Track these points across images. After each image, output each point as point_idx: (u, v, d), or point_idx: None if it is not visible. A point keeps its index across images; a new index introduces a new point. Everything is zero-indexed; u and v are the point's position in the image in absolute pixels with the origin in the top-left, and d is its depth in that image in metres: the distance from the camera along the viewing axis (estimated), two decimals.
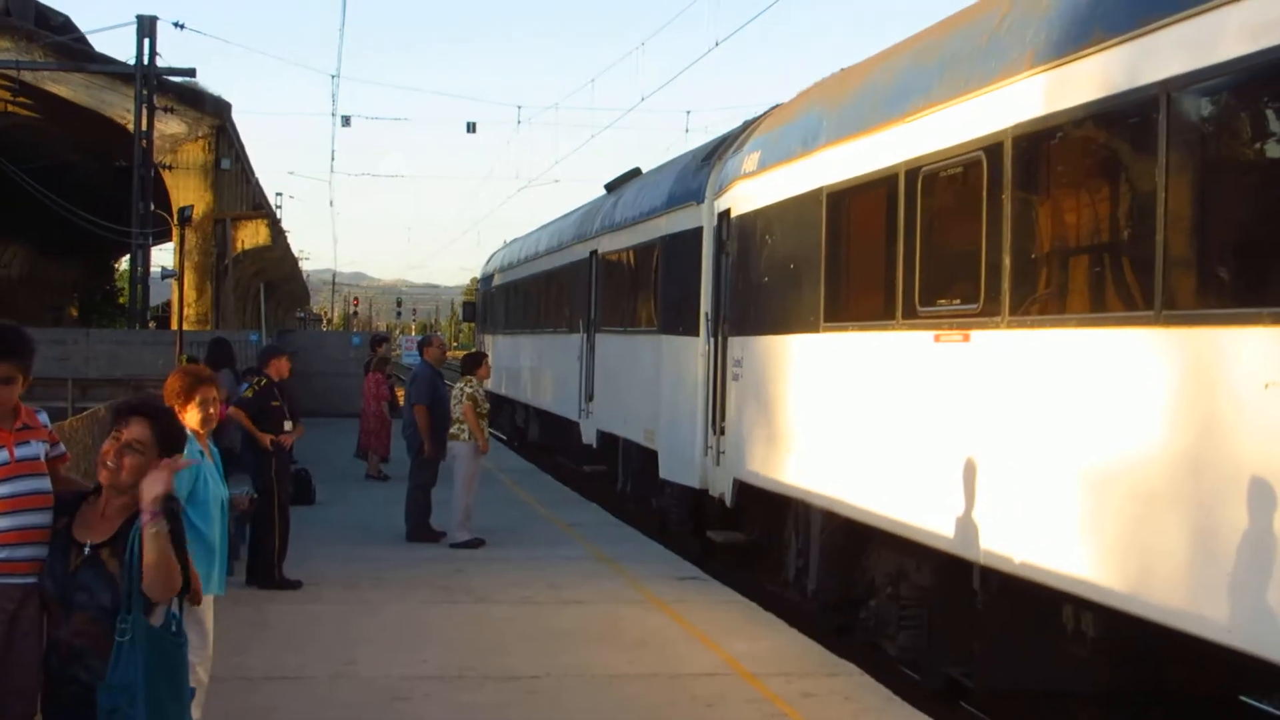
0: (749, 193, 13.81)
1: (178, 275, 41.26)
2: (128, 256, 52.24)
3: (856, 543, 11.49)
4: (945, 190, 9.72)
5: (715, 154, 16.15)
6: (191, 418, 7.48)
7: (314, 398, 33.06)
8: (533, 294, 29.30)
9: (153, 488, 4.95)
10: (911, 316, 10.05)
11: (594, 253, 21.93)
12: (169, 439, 5.30)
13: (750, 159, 13.99)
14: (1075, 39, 8.10)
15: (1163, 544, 7.21)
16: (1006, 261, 8.73)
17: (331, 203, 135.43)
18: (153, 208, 43.71)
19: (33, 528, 5.35)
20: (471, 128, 47.78)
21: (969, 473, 9.13)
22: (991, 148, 8.91)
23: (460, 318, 67.57)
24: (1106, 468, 7.71)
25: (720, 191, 15.01)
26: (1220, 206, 7.14)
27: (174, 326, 40.15)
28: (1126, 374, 7.55)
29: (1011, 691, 9.89)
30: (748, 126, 15.72)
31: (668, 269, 17.03)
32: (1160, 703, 10.20)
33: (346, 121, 60.21)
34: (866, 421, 10.85)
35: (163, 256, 61.18)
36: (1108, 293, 7.95)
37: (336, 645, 10.73)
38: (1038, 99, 8.43)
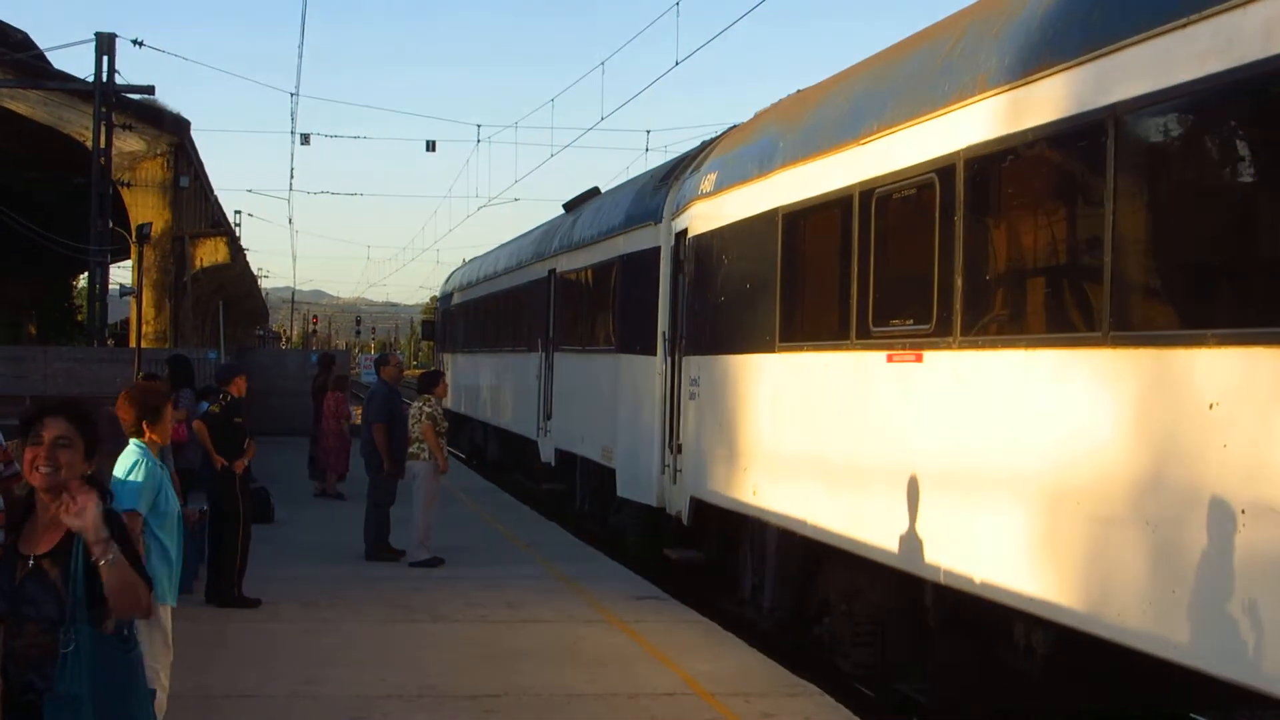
0: (706, 213, 13.89)
1: (136, 293, 41.10)
2: (86, 274, 52.04)
3: (811, 560, 11.54)
4: (898, 212, 9.81)
5: (673, 174, 16.24)
6: (160, 433, 7.93)
7: (274, 416, 33.01)
8: (492, 313, 29.31)
9: (85, 521, 4.90)
10: (865, 337, 10.13)
11: (552, 272, 21.96)
12: (90, 431, 5.24)
13: (708, 180, 14.07)
14: (1025, 64, 8.21)
15: (1111, 562, 7.29)
16: (958, 282, 8.82)
17: (290, 220, 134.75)
18: (111, 225, 43.51)
19: None
20: (431, 146, 47.35)
21: (921, 492, 9.20)
22: (944, 170, 9.01)
23: (420, 336, 67.43)
24: (1056, 487, 7.79)
25: (678, 212, 15.08)
26: (1167, 230, 7.24)
27: (132, 344, 40.02)
28: (1076, 395, 7.64)
29: (965, 709, 9.97)
30: (705, 147, 15.81)
31: (626, 288, 17.08)
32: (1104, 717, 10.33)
33: (305, 139, 59.94)
34: (820, 441, 10.91)
35: (121, 274, 60.79)
36: (1057, 314, 8.05)
37: (296, 664, 10.72)
38: (989, 122, 8.53)
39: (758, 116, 14.22)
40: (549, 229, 24.33)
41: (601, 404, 17.92)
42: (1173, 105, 6.98)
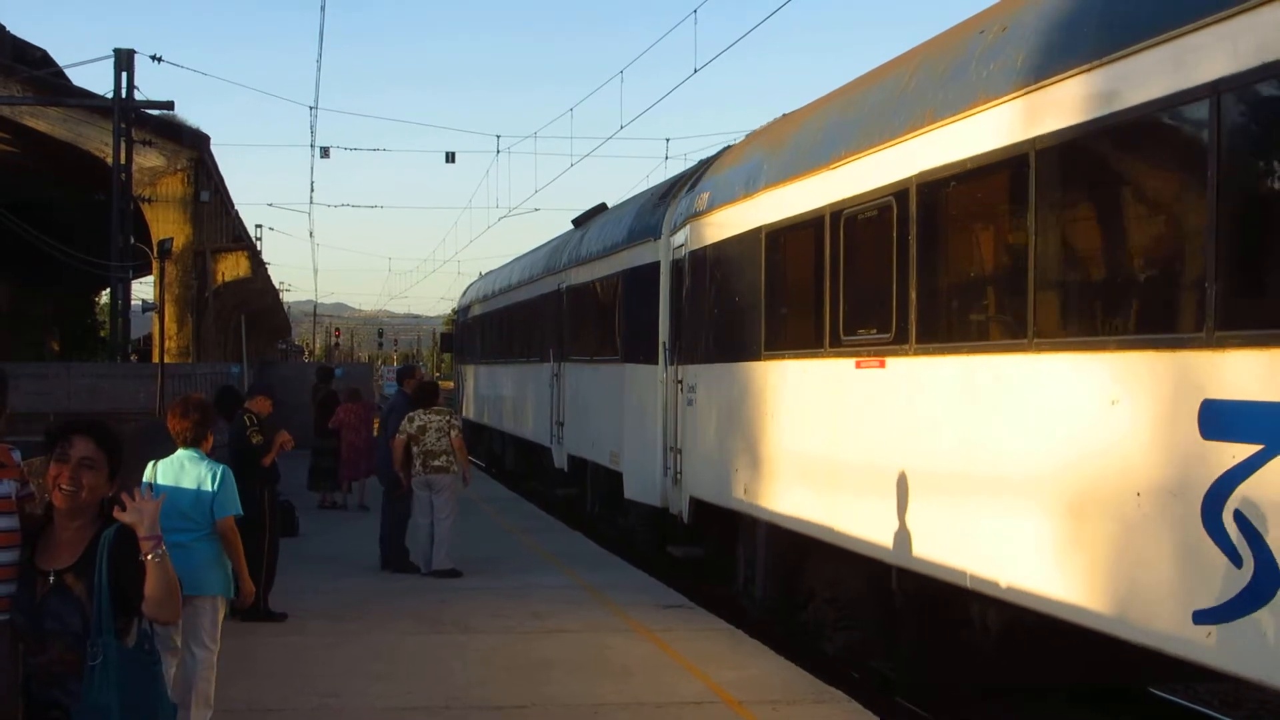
0: (700, 230, 15.11)
1: (158, 308, 42.00)
2: (108, 290, 52.92)
3: (796, 552, 12.73)
4: (863, 231, 11.01)
5: (671, 193, 17.48)
6: (208, 445, 8.85)
7: (295, 429, 34.09)
8: (506, 325, 30.68)
9: (143, 520, 5.15)
10: (836, 345, 11.34)
11: (562, 285, 23.31)
12: (116, 451, 5.38)
13: (702, 198, 15.29)
14: (964, 99, 9.39)
15: (1037, 540, 8.47)
16: (913, 296, 10.01)
17: (311, 234, 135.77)
18: (132, 241, 44.30)
19: (1, 565, 5.41)
20: (450, 158, 48.39)
21: (884, 484, 10.39)
22: (900, 194, 10.20)
23: (440, 348, 68.74)
24: (995, 475, 8.98)
25: (675, 228, 16.31)
26: (1077, 250, 8.44)
27: (155, 359, 40.79)
28: (1008, 393, 8.82)
29: (946, 686, 11.15)
30: (701, 166, 17.04)
31: (629, 301, 18.33)
32: (1075, 696, 11.51)
33: (325, 153, 60.90)
34: (800, 441, 12.12)
35: (143, 290, 61.80)
36: (993, 323, 9.24)
37: (320, 677, 10.87)
38: (936, 151, 9.72)
39: (748, 138, 15.46)
40: (559, 244, 25.67)
41: (609, 411, 19.18)
42: (1082, 140, 8.15)
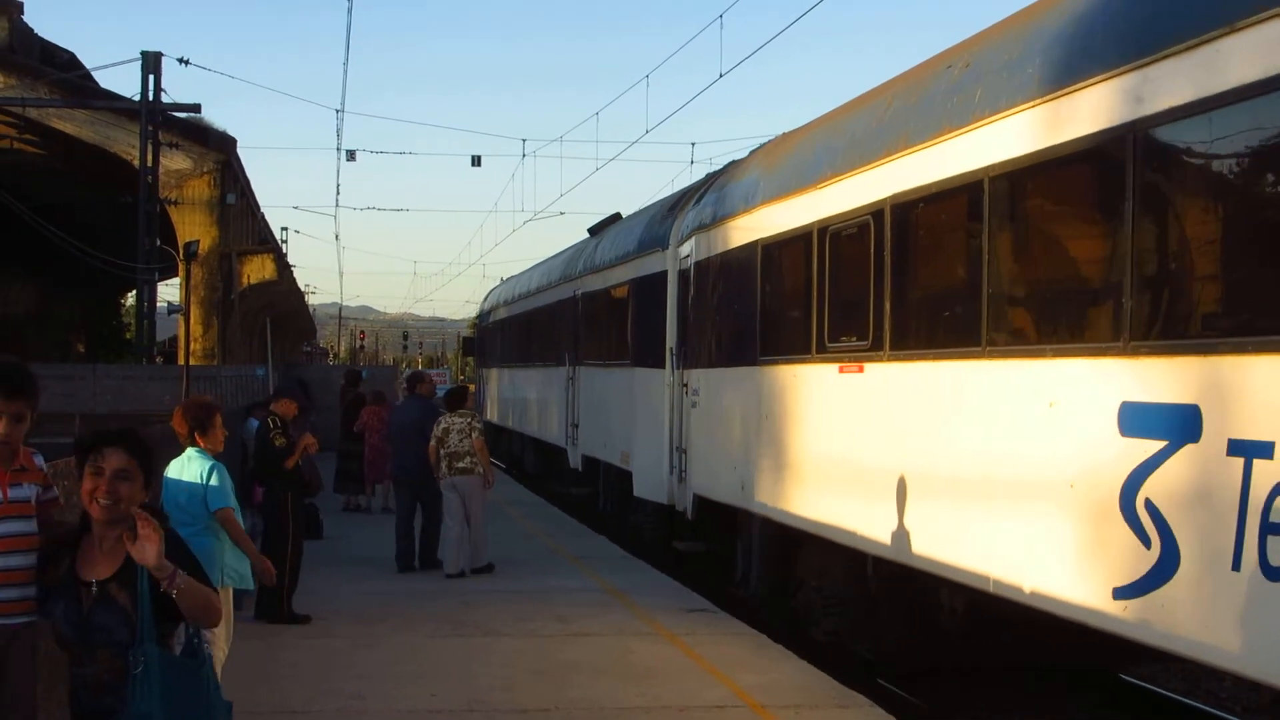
0: (704, 242, 16.30)
1: (184, 310, 42.79)
2: (134, 292, 53.28)
3: (788, 545, 13.88)
4: (845, 247, 12.16)
5: (679, 205, 18.69)
6: (211, 441, 9.45)
7: (325, 433, 35.05)
8: (525, 329, 32.08)
9: (147, 556, 5.16)
10: (822, 351, 12.50)
11: (578, 292, 24.61)
12: (148, 460, 5.44)
13: (706, 212, 16.49)
14: (931, 128, 10.54)
15: (990, 527, 9.61)
16: (887, 307, 11.17)
17: (337, 236, 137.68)
18: (158, 243, 45.13)
19: (17, 569, 5.52)
20: (476, 161, 48.32)
21: (862, 480, 11.56)
22: (876, 213, 11.37)
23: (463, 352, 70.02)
24: (953, 470, 10.13)
25: (682, 239, 17.51)
26: (1023, 268, 9.59)
27: (180, 362, 41.25)
28: (967, 395, 9.97)
29: (930, 669, 12.29)
30: (708, 180, 18.24)
31: (638, 308, 19.55)
32: (1046, 678, 12.64)
33: (351, 156, 62.60)
34: (789, 441, 13.28)
35: (169, 292, 62.85)
36: (953, 332, 10.37)
37: (345, 680, 11.06)
38: (907, 175, 10.88)
39: (750, 155, 16.64)
40: (575, 252, 27.00)
41: (619, 413, 20.44)
42: (1025, 170, 9.29)
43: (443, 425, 17.00)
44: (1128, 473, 8.05)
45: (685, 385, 16.97)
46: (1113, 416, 8.20)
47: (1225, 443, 7.26)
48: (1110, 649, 9.38)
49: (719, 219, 15.78)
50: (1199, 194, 7.97)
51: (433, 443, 16.92)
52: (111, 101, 47.39)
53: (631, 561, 18.31)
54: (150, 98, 45.48)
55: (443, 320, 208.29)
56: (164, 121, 46.49)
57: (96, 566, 5.35)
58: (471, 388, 35.63)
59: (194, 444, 9.42)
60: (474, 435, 16.92)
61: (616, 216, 25.58)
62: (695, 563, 17.60)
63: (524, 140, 60.35)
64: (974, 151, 9.85)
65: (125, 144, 46.55)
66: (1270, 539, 6.90)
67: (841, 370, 12.09)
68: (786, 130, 16.02)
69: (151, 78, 45.45)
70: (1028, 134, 9.18)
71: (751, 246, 14.40)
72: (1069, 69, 8.75)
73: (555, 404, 26.43)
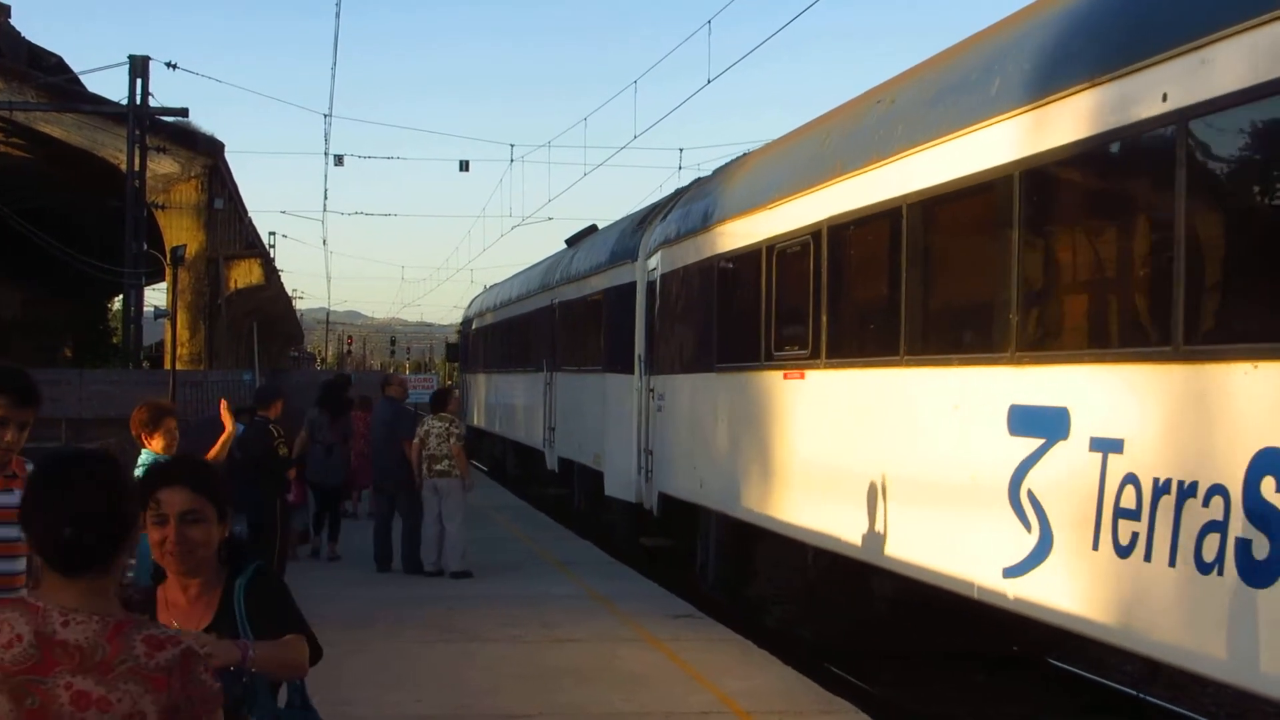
0: (669, 255, 17.72)
1: (171, 315, 43.73)
2: (121, 296, 54.36)
3: (742, 538, 15.27)
4: (790, 265, 13.56)
5: (648, 220, 20.16)
6: (157, 444, 9.36)
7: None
8: (506, 336, 33.81)
9: (215, 654, 4.38)
10: (770, 359, 13.91)
11: (555, 300, 26.14)
12: (218, 493, 4.78)
13: (671, 227, 17.92)
14: (861, 157, 11.94)
15: (909, 517, 11.00)
16: (824, 320, 12.56)
17: (325, 241, 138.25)
18: (146, 247, 46.06)
19: (10, 574, 5.58)
20: (464, 166, 49.64)
21: (802, 477, 12.97)
22: (815, 234, 12.76)
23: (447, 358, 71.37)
24: (879, 466, 11.52)
25: (650, 253, 18.94)
26: (934, 285, 11.00)
27: (167, 366, 42.44)
28: (889, 400, 11.37)
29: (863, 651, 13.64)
30: (675, 197, 19.68)
31: (610, 316, 21.03)
32: (977, 662, 14.00)
33: (339, 160, 62.73)
34: (741, 441, 14.69)
35: (156, 296, 63.74)
36: (877, 343, 11.77)
37: (331, 685, 10.65)
38: (841, 199, 12.27)
39: (713, 175, 18.08)
40: (553, 262, 28.65)
41: (592, 417, 21.93)
42: (932, 201, 10.69)
43: (424, 428, 17.58)
44: (1014, 466, 9.44)
45: (652, 390, 18.37)
46: (1003, 417, 9.59)
47: (1088, 440, 8.65)
48: (1039, 634, 10.72)
49: (682, 235, 17.20)
50: (1068, 226, 9.44)
51: (415, 442, 17.51)
52: (99, 105, 48.21)
53: (617, 567, 18.69)
54: (138, 102, 46.32)
55: (430, 325, 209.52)
56: (151, 125, 47.37)
57: (188, 618, 4.78)
58: (457, 393, 36.89)
59: (146, 446, 9.48)
60: (452, 440, 17.43)
61: (593, 228, 27.14)
62: (662, 557, 18.98)
63: (512, 145, 62.01)
64: (895, 181, 11.25)
65: (112, 148, 47.52)
66: (1120, 522, 8.29)
67: (786, 376, 13.48)
68: (747, 152, 17.46)
69: (139, 82, 46.31)
70: (936, 167, 10.58)
71: (711, 260, 15.81)
72: (970, 110, 10.14)
73: (534, 408, 28.00)
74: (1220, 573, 7.35)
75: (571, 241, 27.66)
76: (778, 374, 13.70)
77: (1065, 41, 9.19)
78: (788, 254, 13.59)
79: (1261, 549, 7.06)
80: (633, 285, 19.66)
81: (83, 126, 48.58)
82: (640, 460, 18.94)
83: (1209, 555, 7.44)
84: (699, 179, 19.25)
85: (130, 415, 9.69)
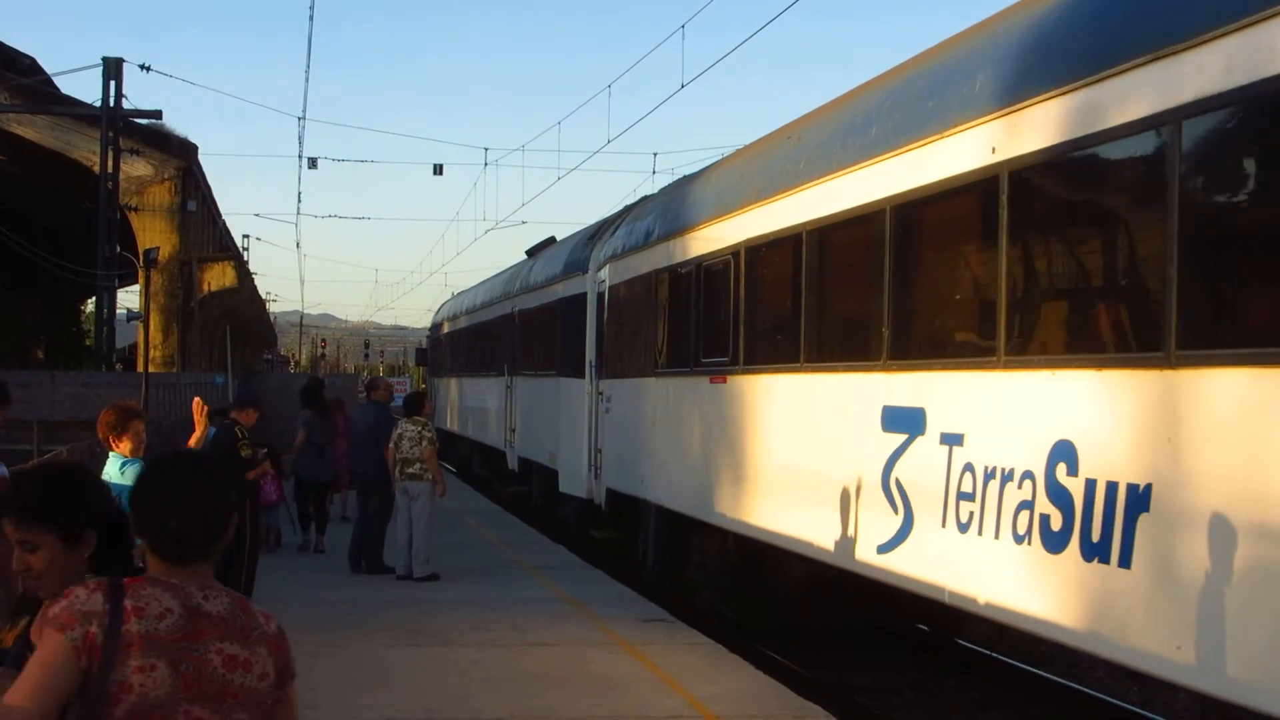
0: (616, 269, 19.67)
1: (143, 317, 44.23)
2: (94, 299, 54.13)
3: (677, 528, 17.17)
4: (715, 280, 15.48)
5: (599, 234, 22.12)
6: (124, 447, 9.35)
7: (282, 440, 37.39)
8: (470, 342, 35.99)
9: None
10: (698, 365, 15.82)
11: (515, 308, 28.31)
12: (56, 515, 4.45)
13: (617, 243, 19.87)
14: (771, 188, 13.83)
15: (806, 506, 12.89)
16: (742, 330, 14.48)
17: (298, 244, 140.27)
18: (119, 249, 46.63)
19: None
20: (438, 169, 50.47)
21: (724, 470, 14.88)
22: (735, 254, 14.67)
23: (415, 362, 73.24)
24: (785, 461, 13.42)
25: (600, 265, 20.89)
26: (827, 301, 12.93)
27: (140, 369, 42.84)
28: (794, 401, 13.28)
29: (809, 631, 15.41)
30: (624, 213, 21.66)
31: (565, 324, 23.05)
32: (885, 642, 15.85)
33: (313, 163, 63.35)
34: (676, 440, 16.61)
35: (129, 299, 64.46)
36: (782, 351, 13.67)
37: (301, 689, 10.58)
38: (756, 224, 14.17)
39: (658, 193, 20.03)
40: (514, 271, 30.91)
41: (548, 418, 23.95)
42: (824, 230, 12.60)
43: (398, 431, 18.12)
44: (886, 458, 11.35)
45: (601, 393, 20.27)
46: (878, 416, 11.51)
47: (939, 435, 10.57)
48: (916, 604, 12.55)
49: (627, 250, 19.13)
50: (929, 253, 11.47)
51: (390, 446, 18.01)
52: (72, 107, 48.68)
53: (589, 571, 19.03)
54: (111, 104, 46.91)
55: (404, 329, 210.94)
56: (125, 128, 48.05)
57: None
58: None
59: (113, 448, 9.51)
60: (424, 444, 17.88)
61: (552, 240, 29.14)
62: (609, 547, 20.88)
63: (486, 149, 63.56)
64: (797, 210, 13.15)
65: (86, 150, 48.02)
66: (960, 503, 10.20)
67: (712, 381, 15.39)
68: (685, 175, 19.39)
69: (113, 84, 46.91)
70: (829, 200, 12.49)
71: (651, 275, 17.73)
72: (856, 151, 12.06)
73: (496, 411, 30.11)
74: (1030, 543, 9.27)
75: (531, 252, 29.75)
76: (705, 379, 15.60)
77: (921, 98, 11.12)
78: (714, 271, 15.49)
79: (1056, 522, 8.97)
80: (584, 295, 21.60)
81: (56, 128, 49.10)
82: (591, 459, 20.83)
83: (1021, 529, 9.36)
84: (645, 197, 21.18)
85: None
